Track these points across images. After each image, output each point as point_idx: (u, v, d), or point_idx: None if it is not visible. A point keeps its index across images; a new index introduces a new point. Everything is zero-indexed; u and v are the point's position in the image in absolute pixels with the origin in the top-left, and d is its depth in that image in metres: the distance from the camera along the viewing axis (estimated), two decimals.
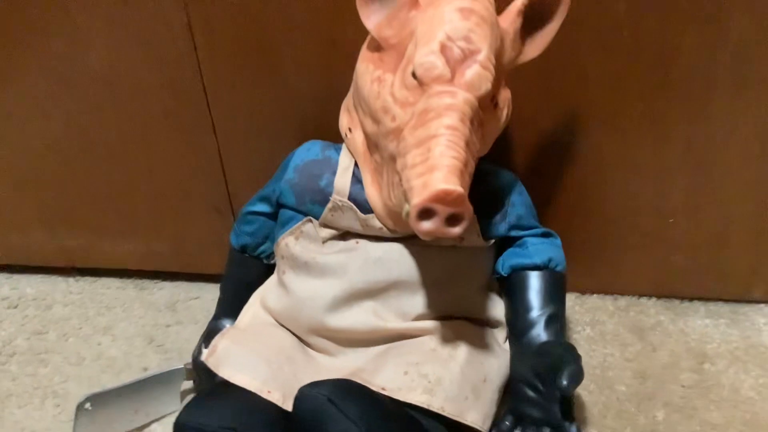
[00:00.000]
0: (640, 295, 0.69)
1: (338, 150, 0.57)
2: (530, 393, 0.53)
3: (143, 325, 0.73)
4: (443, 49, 0.46)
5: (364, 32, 0.51)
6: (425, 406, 0.50)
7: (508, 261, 0.57)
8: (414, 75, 0.46)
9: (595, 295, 0.70)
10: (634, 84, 0.59)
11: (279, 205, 0.58)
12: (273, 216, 0.60)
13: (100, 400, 0.59)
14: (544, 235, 0.58)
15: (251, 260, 0.62)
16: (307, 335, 0.57)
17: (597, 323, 0.66)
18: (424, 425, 0.50)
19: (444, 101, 0.45)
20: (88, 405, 0.58)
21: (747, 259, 0.66)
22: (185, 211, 0.73)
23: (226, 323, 0.62)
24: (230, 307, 0.63)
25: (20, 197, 0.75)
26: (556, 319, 0.55)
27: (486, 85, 0.46)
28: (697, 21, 0.56)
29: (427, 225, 0.43)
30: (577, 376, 0.49)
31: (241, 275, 0.63)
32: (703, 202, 0.64)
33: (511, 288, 0.57)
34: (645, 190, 0.64)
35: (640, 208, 0.65)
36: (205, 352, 0.56)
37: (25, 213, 0.76)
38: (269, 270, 0.62)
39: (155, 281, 0.80)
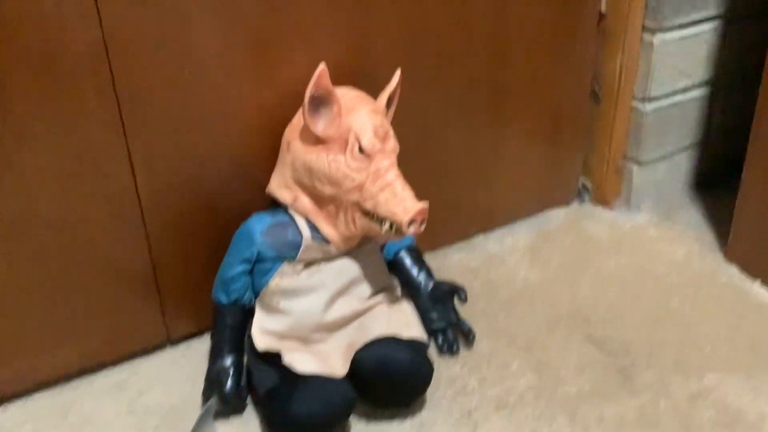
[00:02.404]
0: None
1: (283, 214, 0.85)
2: (434, 315, 0.93)
3: (116, 408, 0.88)
4: (376, 133, 0.80)
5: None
6: (415, 337, 0.85)
7: (391, 249, 0.94)
8: (361, 151, 0.80)
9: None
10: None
11: (255, 262, 0.84)
12: (249, 272, 0.85)
13: None
14: None
15: (237, 309, 0.86)
16: (310, 334, 0.85)
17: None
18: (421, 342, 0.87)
19: (386, 162, 0.80)
20: None
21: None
22: (109, 302, 0.90)
23: (229, 358, 0.85)
24: (227, 346, 0.86)
25: None
26: (430, 272, 0.95)
27: (397, 146, 0.83)
28: None
29: (413, 228, 0.78)
30: (464, 290, 0.91)
31: (231, 322, 0.86)
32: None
33: (398, 264, 0.95)
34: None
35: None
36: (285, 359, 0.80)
37: None
38: (247, 314, 0.87)
39: (77, 381, 0.92)
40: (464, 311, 0.97)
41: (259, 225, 0.85)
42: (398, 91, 0.88)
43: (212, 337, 0.88)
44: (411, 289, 0.95)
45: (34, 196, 0.80)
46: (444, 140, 1.07)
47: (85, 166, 0.82)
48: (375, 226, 0.81)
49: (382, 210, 0.79)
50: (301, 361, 0.80)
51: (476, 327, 0.97)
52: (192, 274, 0.93)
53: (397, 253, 0.95)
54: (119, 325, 0.92)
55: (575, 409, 0.87)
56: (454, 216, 1.13)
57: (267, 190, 0.87)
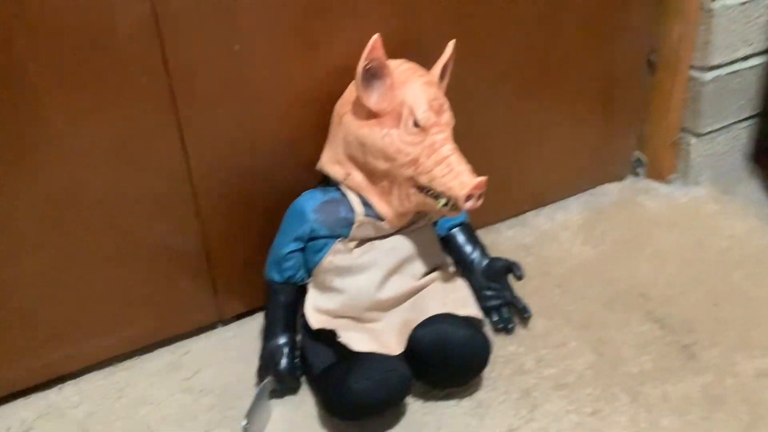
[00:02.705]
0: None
1: (334, 191, 0.84)
2: (489, 292, 0.91)
3: (170, 386, 0.87)
4: (430, 106, 0.78)
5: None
6: (472, 315, 0.83)
7: (444, 225, 0.92)
8: (416, 125, 0.78)
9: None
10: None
11: (308, 240, 0.83)
12: (302, 250, 0.84)
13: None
14: None
15: (290, 287, 0.85)
16: (364, 312, 0.84)
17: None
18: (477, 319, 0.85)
19: (441, 136, 0.78)
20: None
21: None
22: (162, 281, 0.90)
23: (283, 337, 0.85)
24: (281, 325, 0.86)
25: None
26: (484, 248, 0.93)
27: (452, 119, 0.81)
28: None
29: (470, 203, 0.76)
30: (521, 267, 0.88)
31: (286, 300, 0.86)
32: None
33: (452, 240, 0.93)
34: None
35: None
36: (341, 338, 0.79)
37: None
38: (301, 291, 0.86)
39: (132, 360, 0.92)
40: (518, 289, 0.95)
41: (311, 202, 0.83)
42: (452, 62, 0.85)
43: (265, 317, 0.87)
44: (464, 267, 0.93)
45: (84, 177, 0.80)
46: (494, 113, 1.04)
47: (136, 144, 0.81)
48: (430, 201, 0.79)
49: (438, 185, 0.77)
50: (356, 339, 0.79)
51: (531, 305, 0.94)
52: (244, 253, 0.92)
53: (449, 230, 0.93)
54: (171, 305, 0.92)
55: (637, 389, 0.84)
56: (505, 192, 1.10)
57: (318, 165, 0.86)
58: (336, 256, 0.83)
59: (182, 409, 0.85)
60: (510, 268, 0.90)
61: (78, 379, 0.89)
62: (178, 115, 0.81)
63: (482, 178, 0.76)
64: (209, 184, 0.86)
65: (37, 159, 0.77)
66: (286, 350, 0.84)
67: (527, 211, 1.16)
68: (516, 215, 1.16)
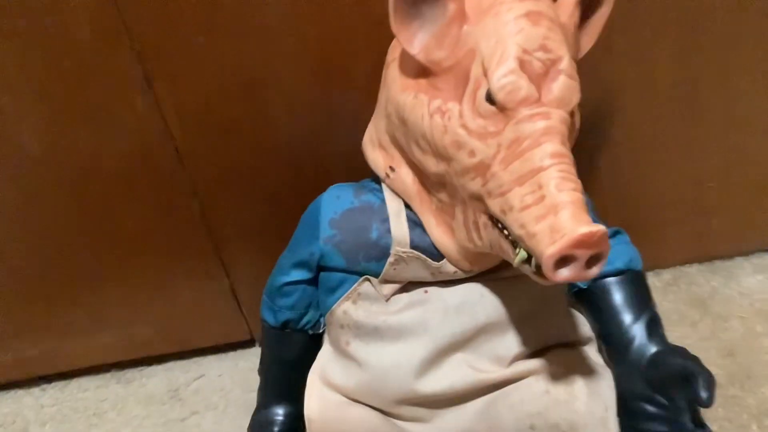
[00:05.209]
0: (682, 264, 0.66)
1: (374, 191, 0.49)
2: (651, 409, 0.48)
3: (153, 426, 0.63)
4: (522, 65, 0.38)
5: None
6: None
7: None
8: (490, 100, 0.39)
9: None
10: (662, 52, 0.55)
11: (319, 268, 0.50)
12: (313, 281, 0.51)
13: None
14: (614, 234, 0.53)
15: (295, 335, 0.53)
16: (394, 407, 0.49)
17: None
18: None
19: (538, 125, 0.38)
20: None
21: None
22: (167, 285, 0.63)
23: (277, 410, 0.53)
24: (278, 391, 0.54)
25: None
26: (657, 323, 0.50)
27: (576, 96, 0.40)
28: None
29: (564, 273, 0.37)
30: (713, 383, 0.45)
31: (285, 354, 0.53)
32: (735, 164, 0.61)
33: (597, 299, 0.51)
34: (679, 162, 0.61)
35: (677, 181, 0.61)
36: None
37: None
38: (314, 341, 0.54)
39: (139, 369, 0.69)
40: (712, 413, 0.53)
41: (333, 207, 0.49)
42: None
43: (259, 371, 0.56)
44: (615, 350, 0.51)
45: None
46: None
47: None
48: (506, 246, 0.41)
49: (514, 222, 0.38)
50: None
51: None
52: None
53: (598, 280, 0.52)
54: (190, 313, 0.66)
55: None
56: (754, 200, 0.64)
57: (363, 145, 0.51)
58: (357, 304, 0.49)
59: None
60: (688, 377, 0.46)
61: (68, 381, 0.68)
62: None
63: (597, 228, 0.36)
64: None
65: None
66: (277, 429, 0.53)
67: None
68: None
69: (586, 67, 0.51)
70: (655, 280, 0.65)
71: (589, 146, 0.58)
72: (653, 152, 0.60)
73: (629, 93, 0.56)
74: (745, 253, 0.66)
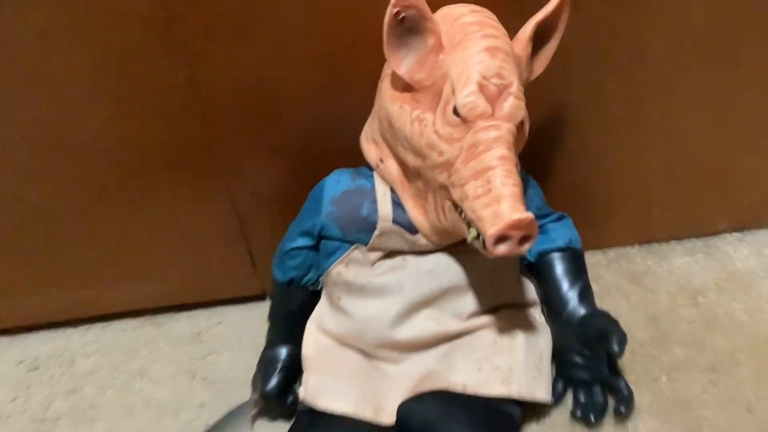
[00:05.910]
0: (624, 245, 0.78)
1: (367, 177, 0.61)
2: (578, 359, 0.62)
3: (178, 362, 0.75)
4: (481, 88, 0.51)
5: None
6: (506, 396, 0.57)
7: (534, 248, 0.64)
8: (456, 113, 0.51)
9: (588, 252, 0.79)
10: (610, 72, 0.67)
11: (320, 237, 0.63)
12: (314, 247, 0.64)
13: None
14: (559, 218, 0.65)
15: (298, 290, 0.66)
16: (374, 350, 0.62)
17: (598, 278, 0.75)
18: (506, 409, 0.58)
19: (491, 134, 0.51)
20: None
21: (713, 201, 0.77)
22: (195, 250, 0.75)
23: (282, 349, 0.66)
24: (282, 334, 0.67)
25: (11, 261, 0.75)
26: (587, 291, 0.63)
27: (521, 113, 0.52)
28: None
29: (502, 248, 0.49)
30: (624, 340, 0.57)
31: (289, 305, 0.67)
32: (673, 165, 0.73)
33: (542, 271, 0.64)
34: (625, 164, 0.73)
35: (623, 179, 0.74)
36: (300, 390, 0.61)
37: (24, 275, 0.76)
38: (314, 296, 0.67)
39: (169, 314, 0.81)
40: (632, 366, 0.65)
41: (334, 188, 0.61)
42: (565, 16, 0.55)
43: (269, 317, 0.69)
44: (554, 313, 0.64)
45: None
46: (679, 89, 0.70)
47: None
48: (463, 226, 0.53)
49: (468, 208, 0.50)
50: (329, 391, 0.59)
51: (644, 394, 0.64)
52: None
53: (543, 255, 0.64)
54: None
55: None
56: (690, 193, 0.76)
57: (360, 139, 0.63)
58: (348, 267, 0.61)
59: (173, 397, 0.71)
60: (606, 334, 0.59)
61: (109, 322, 0.81)
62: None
63: (526, 215, 0.48)
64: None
65: None
66: (279, 365, 0.65)
67: (723, 232, 0.80)
68: (704, 235, 0.80)
69: (547, 88, 0.63)
70: (600, 258, 0.77)
71: (550, 151, 0.71)
72: (603, 157, 0.72)
73: (582, 108, 0.68)
74: (679, 237, 0.79)
